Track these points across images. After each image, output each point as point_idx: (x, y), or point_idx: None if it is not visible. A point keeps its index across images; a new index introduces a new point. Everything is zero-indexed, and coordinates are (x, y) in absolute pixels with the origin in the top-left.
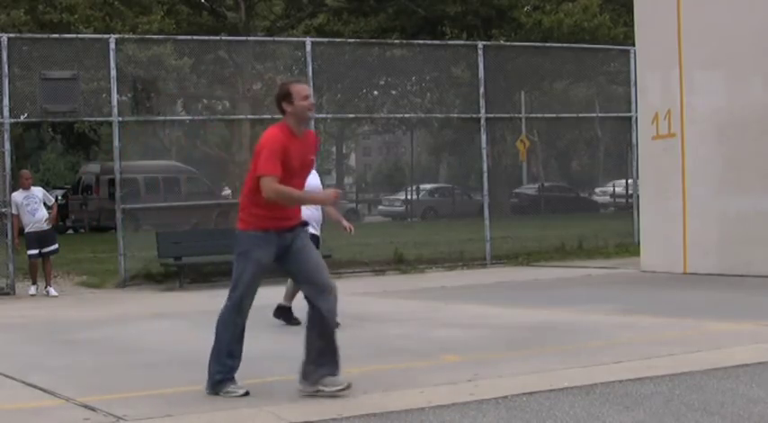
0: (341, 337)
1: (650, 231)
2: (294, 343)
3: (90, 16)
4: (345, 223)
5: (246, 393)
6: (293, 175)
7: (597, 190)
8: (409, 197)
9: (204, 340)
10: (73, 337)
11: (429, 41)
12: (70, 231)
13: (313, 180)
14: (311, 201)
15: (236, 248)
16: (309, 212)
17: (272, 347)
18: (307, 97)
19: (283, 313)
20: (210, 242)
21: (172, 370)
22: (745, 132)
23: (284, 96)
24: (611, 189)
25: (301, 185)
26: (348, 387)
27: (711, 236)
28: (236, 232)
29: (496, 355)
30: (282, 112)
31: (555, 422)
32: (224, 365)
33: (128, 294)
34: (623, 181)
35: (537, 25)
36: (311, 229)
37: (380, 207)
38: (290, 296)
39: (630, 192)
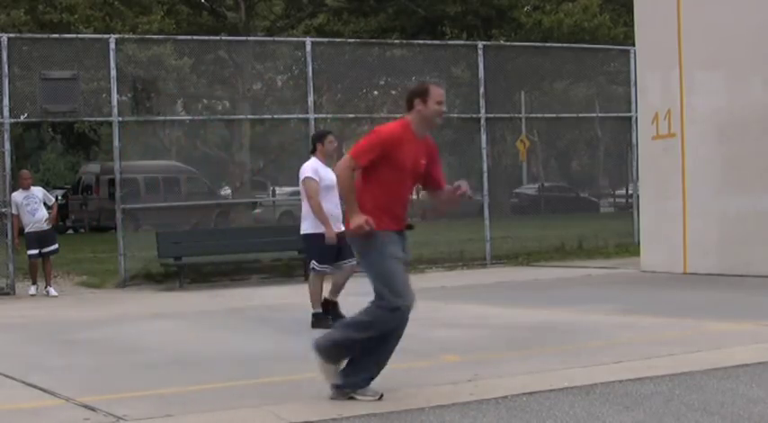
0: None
1: (650, 231)
2: (294, 343)
3: (90, 16)
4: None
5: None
6: (405, 176)
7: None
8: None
9: (204, 340)
10: (73, 337)
11: (429, 41)
12: (70, 231)
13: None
14: (350, 210)
15: (360, 254)
16: (331, 210)
17: (272, 347)
18: (441, 103)
19: (331, 308)
20: (210, 242)
21: (172, 370)
22: (745, 132)
23: (421, 94)
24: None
25: (411, 188)
26: (381, 397)
27: (711, 236)
28: (350, 237)
29: (497, 356)
30: (410, 108)
31: (555, 422)
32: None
33: (128, 294)
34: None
35: (537, 25)
36: (340, 227)
37: None
38: (337, 291)
39: (630, 192)
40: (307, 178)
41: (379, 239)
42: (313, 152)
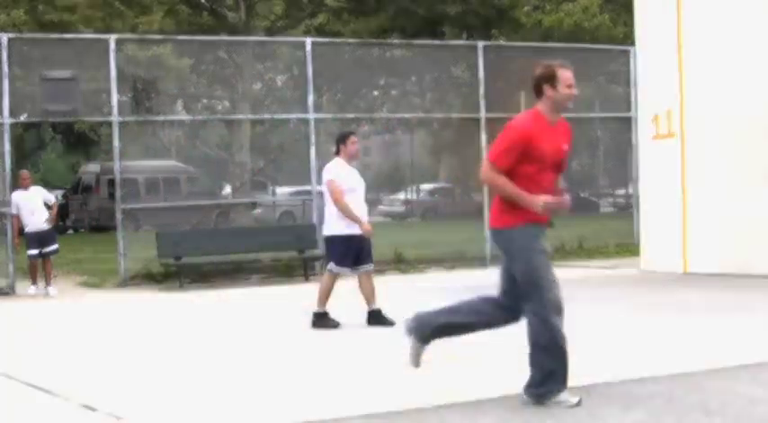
0: (341, 338)
1: (650, 231)
2: (294, 343)
3: (90, 16)
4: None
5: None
6: (545, 166)
7: None
8: (409, 197)
9: (204, 340)
10: (73, 338)
11: (429, 41)
12: (70, 231)
13: (359, 180)
14: (523, 201)
15: (507, 250)
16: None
17: (272, 347)
18: (572, 86)
19: (377, 318)
20: (210, 242)
21: (173, 370)
22: (745, 132)
23: (548, 78)
24: None
25: (555, 179)
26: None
27: (711, 235)
28: (497, 232)
29: (496, 355)
30: (538, 94)
31: (555, 422)
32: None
33: (128, 294)
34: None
35: (537, 25)
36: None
37: (381, 207)
38: (372, 298)
39: (630, 192)
40: (329, 181)
41: (524, 234)
42: (337, 153)
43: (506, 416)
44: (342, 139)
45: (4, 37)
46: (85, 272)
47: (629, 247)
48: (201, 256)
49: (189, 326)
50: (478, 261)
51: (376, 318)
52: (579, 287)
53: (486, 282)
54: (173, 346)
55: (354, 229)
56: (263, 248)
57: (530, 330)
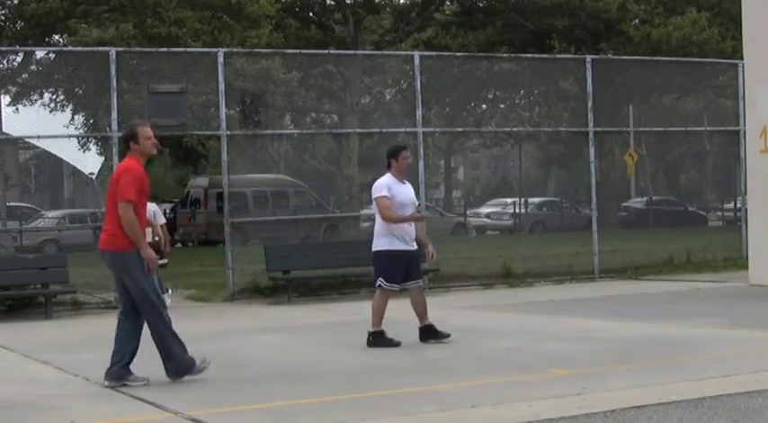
0: (450, 350)
1: (758, 245)
2: (400, 356)
3: (198, 30)
4: (430, 249)
5: None
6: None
7: None
8: (517, 211)
9: (312, 354)
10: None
11: (537, 55)
12: (178, 245)
13: (408, 191)
14: None
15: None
16: (404, 228)
17: (379, 361)
18: (151, 138)
19: (432, 333)
20: (319, 256)
21: (280, 384)
22: None
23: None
24: None
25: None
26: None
27: None
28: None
29: (604, 369)
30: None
31: None
32: None
33: (236, 308)
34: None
35: (645, 38)
36: (413, 245)
37: (488, 220)
38: (424, 315)
39: (739, 205)
40: (379, 197)
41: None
42: (388, 167)
43: None
44: (393, 154)
45: (113, 51)
46: (194, 285)
47: (737, 261)
48: (310, 269)
49: (297, 340)
50: (587, 274)
51: (431, 333)
52: (687, 301)
53: (594, 294)
54: (280, 360)
55: (399, 246)
56: (370, 262)
57: None
